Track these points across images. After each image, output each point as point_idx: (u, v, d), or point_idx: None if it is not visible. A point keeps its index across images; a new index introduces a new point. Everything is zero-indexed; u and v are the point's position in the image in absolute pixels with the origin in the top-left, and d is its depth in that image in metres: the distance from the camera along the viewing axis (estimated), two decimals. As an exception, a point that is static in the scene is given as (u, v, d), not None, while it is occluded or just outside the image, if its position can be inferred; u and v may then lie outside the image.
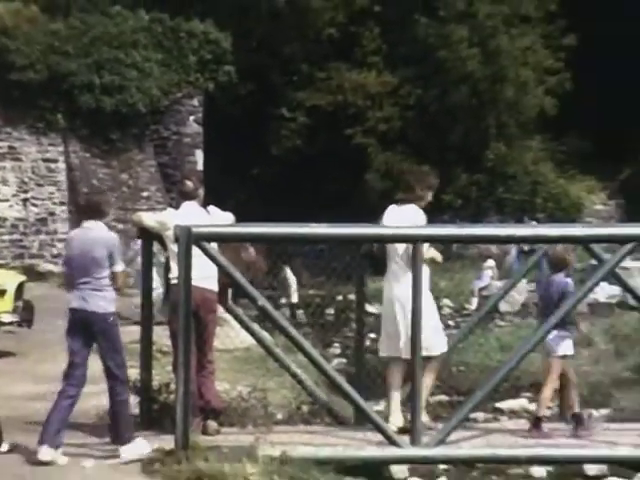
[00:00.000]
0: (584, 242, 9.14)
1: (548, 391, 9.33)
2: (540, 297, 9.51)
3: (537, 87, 32.26)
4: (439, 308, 22.21)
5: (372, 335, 11.13)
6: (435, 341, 8.99)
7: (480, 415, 10.50)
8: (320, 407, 9.75)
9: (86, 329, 8.25)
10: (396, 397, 9.12)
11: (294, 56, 31.90)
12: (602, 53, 32.43)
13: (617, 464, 9.01)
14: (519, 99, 32.18)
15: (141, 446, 8.26)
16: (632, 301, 10.73)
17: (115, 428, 8.32)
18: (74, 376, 8.28)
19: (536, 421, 9.30)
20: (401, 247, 9.00)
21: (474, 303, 23.02)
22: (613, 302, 18.52)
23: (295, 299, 21.07)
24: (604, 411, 11.25)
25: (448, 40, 31.55)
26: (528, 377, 12.70)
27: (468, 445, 8.79)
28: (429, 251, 8.94)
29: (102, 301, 8.24)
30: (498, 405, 12.25)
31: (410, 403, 8.65)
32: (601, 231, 9.41)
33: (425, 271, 8.78)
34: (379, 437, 8.53)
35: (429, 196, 9.32)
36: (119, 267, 8.34)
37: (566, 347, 9.19)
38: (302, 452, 8.28)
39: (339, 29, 31.86)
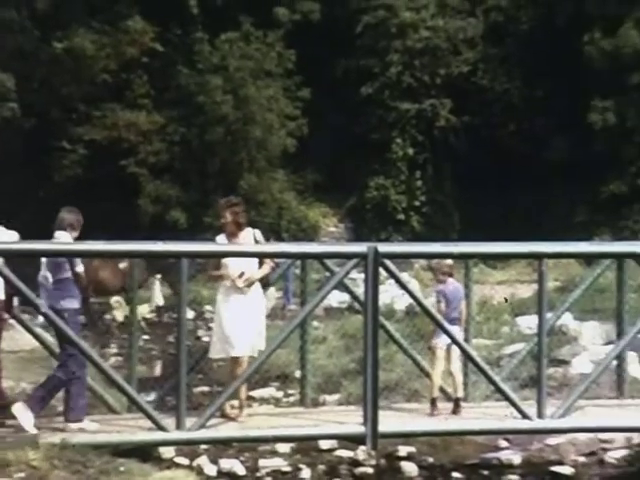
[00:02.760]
0: (319, 257, 9.39)
1: (436, 376, 9.41)
2: (450, 299, 9.46)
3: (280, 129, 33.01)
4: (201, 314, 22.29)
5: (145, 337, 10.95)
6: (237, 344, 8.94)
7: (236, 402, 10.56)
8: (96, 399, 9.55)
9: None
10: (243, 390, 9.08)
11: (72, 96, 31.25)
12: (331, 105, 33.80)
13: (345, 439, 9.29)
14: (266, 138, 32.83)
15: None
16: (357, 306, 11.10)
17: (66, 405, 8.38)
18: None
19: (433, 401, 9.36)
20: (236, 267, 8.87)
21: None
22: (343, 307, 19.05)
23: (161, 303, 20.63)
24: (336, 396, 11.54)
25: (206, 87, 32.20)
26: (276, 370, 12.88)
27: (225, 428, 8.85)
28: (263, 268, 8.91)
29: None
30: (251, 393, 12.37)
31: (175, 393, 8.63)
32: (332, 249, 9.74)
33: (257, 287, 8.83)
34: (149, 423, 8.46)
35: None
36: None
37: (446, 339, 9.23)
38: (80, 438, 8.09)
39: (112, 75, 31.52)
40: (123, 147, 31.40)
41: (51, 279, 8.53)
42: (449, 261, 9.47)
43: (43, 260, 8.75)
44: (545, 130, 33.62)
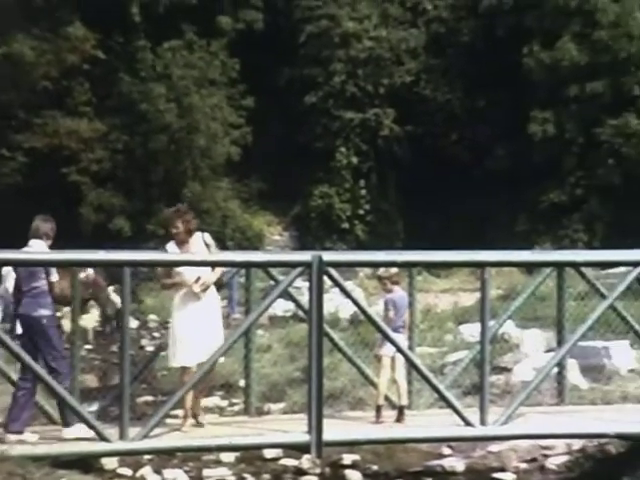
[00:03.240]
0: (264, 266, 9.37)
1: (382, 385, 9.37)
2: (398, 307, 9.42)
3: (224, 138, 32.96)
4: (145, 323, 22.08)
5: (88, 346, 10.82)
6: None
7: (180, 412, 10.49)
8: (37, 409, 9.40)
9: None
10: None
11: (12, 103, 30.80)
12: (275, 113, 33.87)
13: (290, 448, 9.26)
14: (210, 147, 32.74)
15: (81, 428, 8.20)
16: (302, 314, 11.09)
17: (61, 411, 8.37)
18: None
19: (378, 409, 9.33)
20: (191, 273, 8.82)
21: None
22: (288, 315, 19.02)
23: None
24: (280, 405, 11.52)
25: (149, 96, 32.03)
26: (220, 379, 12.80)
27: (168, 437, 8.77)
28: (216, 271, 8.87)
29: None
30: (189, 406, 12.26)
31: (118, 403, 8.53)
32: (277, 257, 9.71)
33: (212, 289, 8.80)
34: (91, 433, 8.35)
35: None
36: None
37: (392, 347, 9.22)
38: (20, 450, 7.94)
39: (53, 82, 31.16)
40: (64, 155, 31.03)
41: (25, 288, 8.54)
42: (395, 269, 9.52)
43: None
44: (486, 140, 34.02)
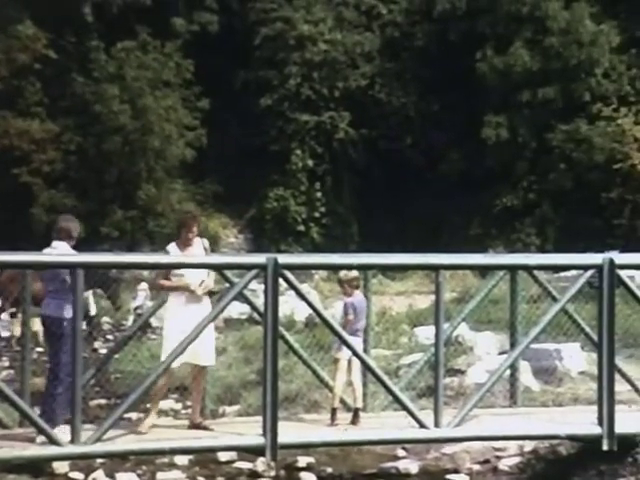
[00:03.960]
0: (219, 268, 9.32)
1: (338, 387, 9.32)
2: (357, 311, 9.37)
3: (179, 139, 32.84)
4: (99, 325, 21.86)
5: (39, 349, 10.72)
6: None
7: (134, 415, 10.39)
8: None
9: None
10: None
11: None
12: (230, 115, 33.81)
13: (244, 451, 9.22)
14: (164, 149, 32.60)
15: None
16: (257, 317, 11.07)
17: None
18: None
19: (333, 411, 9.29)
20: (196, 276, 8.77)
21: (130, 319, 22.78)
22: (243, 318, 18.97)
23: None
24: (235, 407, 11.48)
25: (102, 97, 31.88)
26: (175, 381, 12.71)
27: (121, 441, 8.68)
28: (211, 276, 8.79)
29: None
30: (149, 405, 12.18)
31: (70, 406, 8.43)
32: (232, 260, 9.67)
33: (205, 299, 8.76)
34: (42, 437, 8.24)
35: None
36: None
37: (348, 351, 9.14)
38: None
39: (3, 82, 30.80)
40: (15, 155, 30.69)
41: (48, 288, 8.54)
42: (355, 273, 9.54)
43: None
44: (441, 143, 34.25)
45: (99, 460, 9.12)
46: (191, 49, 33.59)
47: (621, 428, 8.74)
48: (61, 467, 8.98)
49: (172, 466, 9.61)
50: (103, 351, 16.58)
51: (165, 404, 12.41)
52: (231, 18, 35.41)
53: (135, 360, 15.51)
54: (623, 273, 8.88)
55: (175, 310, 8.92)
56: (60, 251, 8.55)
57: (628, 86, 32.77)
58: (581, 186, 31.77)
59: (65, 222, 8.78)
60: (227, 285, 9.27)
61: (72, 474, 9.08)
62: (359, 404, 9.38)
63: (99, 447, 8.27)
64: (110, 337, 19.37)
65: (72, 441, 8.16)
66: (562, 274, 15.25)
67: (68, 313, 8.37)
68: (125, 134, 32.01)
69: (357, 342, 9.27)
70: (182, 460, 9.66)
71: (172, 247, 9.03)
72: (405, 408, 8.79)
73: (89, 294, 19.75)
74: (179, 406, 12.38)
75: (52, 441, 8.10)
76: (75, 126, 32.14)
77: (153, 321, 19.57)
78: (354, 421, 9.31)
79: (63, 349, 8.36)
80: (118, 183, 32.08)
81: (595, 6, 33.20)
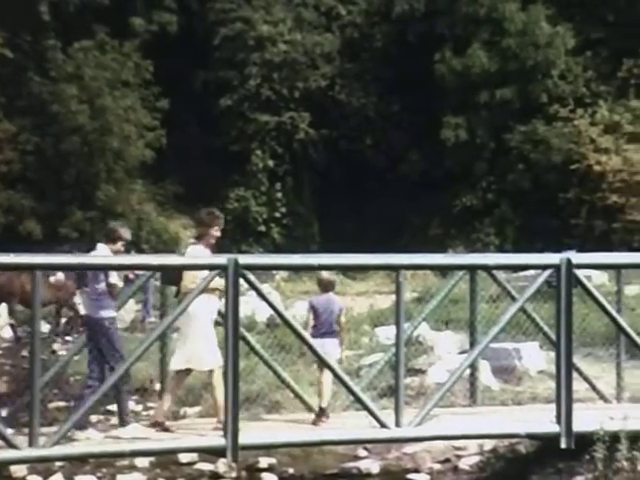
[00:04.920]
0: (179, 269, 9.28)
1: (327, 387, 9.24)
2: (319, 312, 9.30)
3: (138, 140, 32.64)
4: (57, 326, 21.60)
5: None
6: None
7: (93, 417, 10.31)
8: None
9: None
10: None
11: None
12: (190, 116, 33.71)
13: (205, 452, 9.19)
14: (123, 149, 32.39)
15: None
16: (218, 318, 11.03)
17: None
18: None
19: (320, 411, 9.23)
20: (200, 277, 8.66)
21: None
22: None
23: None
24: (196, 408, 11.43)
25: (60, 96, 31.65)
26: (136, 383, 12.64)
27: (81, 443, 8.60)
28: (215, 281, 8.69)
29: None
30: (109, 408, 12.10)
31: (28, 409, 8.34)
32: (192, 261, 9.56)
33: (212, 298, 8.67)
34: None
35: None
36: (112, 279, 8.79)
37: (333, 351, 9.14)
38: None
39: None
40: (-29, 156, 30.33)
41: (88, 289, 8.93)
42: (326, 274, 9.54)
43: None
44: (401, 144, 34.38)
45: (58, 463, 9.02)
46: (150, 49, 33.40)
47: (579, 426, 8.82)
48: (19, 471, 8.89)
49: (132, 468, 9.56)
50: (62, 353, 16.42)
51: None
52: (190, 18, 35.28)
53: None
54: (580, 273, 8.96)
55: (205, 311, 8.79)
56: (97, 253, 8.93)
57: (584, 88, 33.11)
58: (539, 186, 32.05)
59: (112, 226, 9.30)
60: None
61: (30, 478, 8.98)
62: (324, 404, 9.37)
63: (57, 450, 8.18)
64: (69, 339, 19.16)
65: (30, 444, 8.07)
66: (521, 274, 15.36)
67: (107, 312, 8.90)
68: (84, 134, 31.76)
69: (333, 343, 9.29)
70: (143, 462, 9.61)
71: (199, 249, 8.91)
72: (366, 408, 8.81)
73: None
74: (140, 407, 12.31)
75: (10, 444, 8.01)
76: (32, 126, 31.81)
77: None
78: (315, 421, 9.30)
79: (113, 345, 8.84)
80: (77, 184, 31.81)
81: (551, 8, 33.50)
